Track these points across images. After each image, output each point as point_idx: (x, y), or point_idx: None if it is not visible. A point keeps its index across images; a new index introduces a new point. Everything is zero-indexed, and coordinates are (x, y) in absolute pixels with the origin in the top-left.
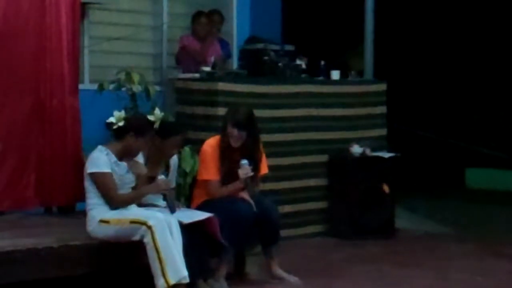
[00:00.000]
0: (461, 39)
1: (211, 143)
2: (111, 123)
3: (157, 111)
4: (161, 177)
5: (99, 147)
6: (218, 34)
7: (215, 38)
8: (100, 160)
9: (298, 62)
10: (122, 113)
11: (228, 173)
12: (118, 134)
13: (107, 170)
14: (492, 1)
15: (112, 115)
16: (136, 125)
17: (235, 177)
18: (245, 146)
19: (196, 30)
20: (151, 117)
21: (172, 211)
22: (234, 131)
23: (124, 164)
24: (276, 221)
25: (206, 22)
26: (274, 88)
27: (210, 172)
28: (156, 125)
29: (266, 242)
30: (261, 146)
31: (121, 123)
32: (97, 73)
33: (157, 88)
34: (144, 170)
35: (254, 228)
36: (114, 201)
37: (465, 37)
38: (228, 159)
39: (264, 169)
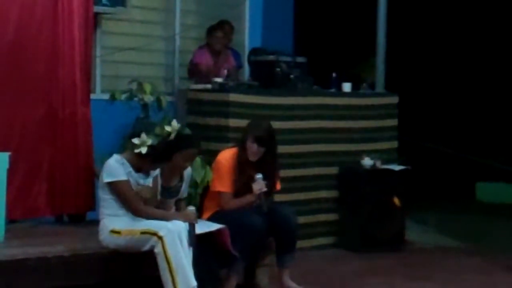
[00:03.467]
0: (473, 54)
1: (226, 156)
2: (133, 143)
3: (174, 122)
4: (191, 208)
5: (115, 155)
6: (229, 44)
7: (229, 50)
8: (117, 169)
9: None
10: (148, 140)
11: (242, 187)
12: (138, 154)
13: (124, 178)
14: (504, 16)
15: (124, 124)
16: (155, 156)
17: (249, 191)
18: (262, 161)
19: (212, 44)
20: (168, 128)
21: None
22: (254, 146)
23: (137, 175)
24: (294, 229)
25: (223, 36)
26: (285, 100)
27: (224, 184)
28: (172, 136)
29: (282, 250)
30: (277, 163)
31: (144, 150)
32: (109, 83)
33: (169, 98)
34: (147, 195)
35: (265, 240)
36: (138, 212)
37: (477, 51)
38: (243, 173)
39: (277, 186)
